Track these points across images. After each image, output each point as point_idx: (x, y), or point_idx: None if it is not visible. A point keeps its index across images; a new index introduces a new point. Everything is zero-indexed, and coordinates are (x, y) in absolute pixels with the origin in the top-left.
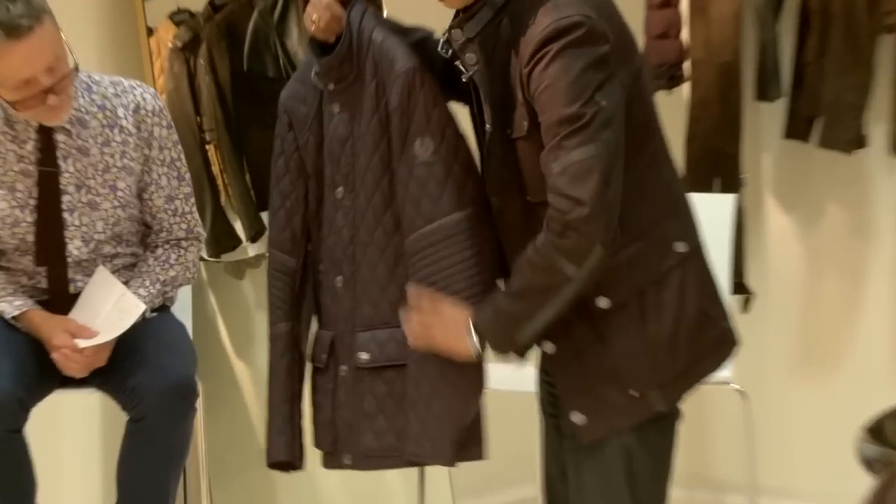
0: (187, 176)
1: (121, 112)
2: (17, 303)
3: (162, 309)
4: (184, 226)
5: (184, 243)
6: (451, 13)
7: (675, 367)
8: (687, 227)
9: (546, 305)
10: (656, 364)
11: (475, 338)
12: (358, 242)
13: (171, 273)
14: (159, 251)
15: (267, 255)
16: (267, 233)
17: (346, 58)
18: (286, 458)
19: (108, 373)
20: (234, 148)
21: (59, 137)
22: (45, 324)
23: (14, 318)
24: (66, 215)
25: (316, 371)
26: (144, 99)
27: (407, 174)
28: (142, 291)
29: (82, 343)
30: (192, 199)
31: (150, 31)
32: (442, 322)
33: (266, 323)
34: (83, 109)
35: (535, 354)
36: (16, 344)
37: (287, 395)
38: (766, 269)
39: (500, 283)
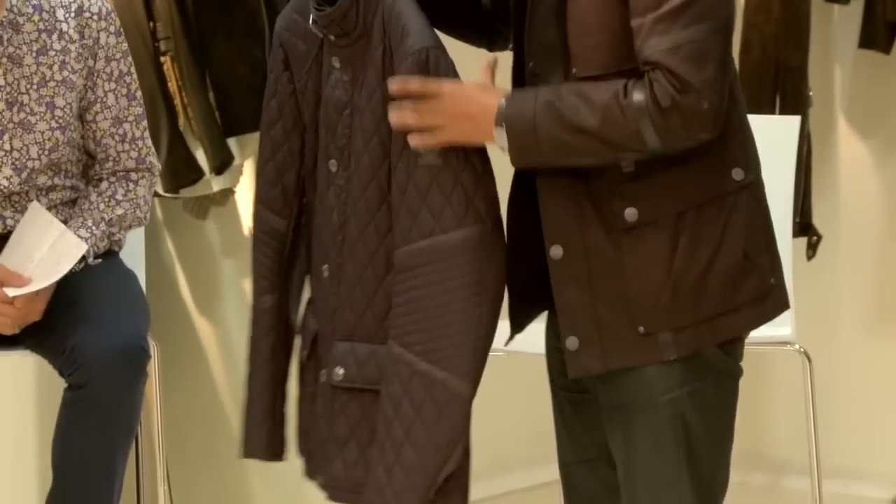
0: (138, 94)
1: (61, 14)
2: None
3: (108, 255)
4: (133, 154)
5: (133, 175)
6: None
7: (697, 312)
8: (748, 153)
9: (598, 155)
10: (675, 302)
11: (496, 131)
12: (347, 234)
13: (119, 211)
14: (104, 185)
15: (235, 190)
16: (234, 163)
17: (349, 12)
18: (265, 456)
19: (43, 331)
20: (195, 60)
21: None
22: None
23: None
24: None
25: (300, 362)
26: (89, 0)
27: (405, 176)
28: (83, 232)
29: (12, 292)
30: (144, 123)
31: None
32: (455, 101)
33: (234, 272)
34: (15, 10)
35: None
36: None
37: (269, 381)
38: (836, 208)
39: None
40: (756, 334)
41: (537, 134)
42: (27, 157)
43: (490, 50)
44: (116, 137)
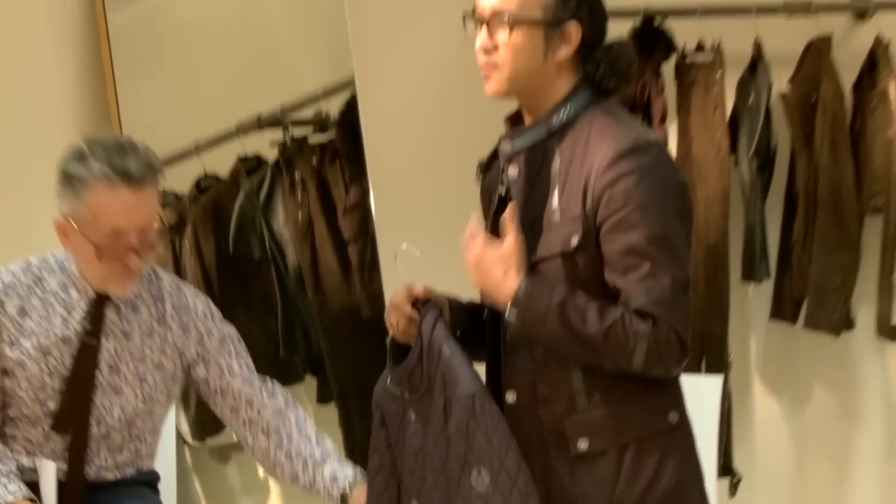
0: (254, 369)
1: (169, 308)
2: (11, 487)
3: (151, 485)
4: (280, 390)
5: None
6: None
7: None
8: (680, 400)
9: (585, 356)
10: None
11: (510, 308)
12: None
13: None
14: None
15: None
16: None
17: (415, 369)
18: None
19: None
20: None
21: (109, 315)
22: None
23: None
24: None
25: None
26: (195, 304)
27: None
28: (347, 471)
29: None
30: (273, 379)
31: None
32: (477, 264)
33: None
34: (139, 296)
35: None
36: None
37: None
38: (752, 452)
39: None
40: None
41: (544, 327)
42: (110, 415)
43: None
44: (253, 392)
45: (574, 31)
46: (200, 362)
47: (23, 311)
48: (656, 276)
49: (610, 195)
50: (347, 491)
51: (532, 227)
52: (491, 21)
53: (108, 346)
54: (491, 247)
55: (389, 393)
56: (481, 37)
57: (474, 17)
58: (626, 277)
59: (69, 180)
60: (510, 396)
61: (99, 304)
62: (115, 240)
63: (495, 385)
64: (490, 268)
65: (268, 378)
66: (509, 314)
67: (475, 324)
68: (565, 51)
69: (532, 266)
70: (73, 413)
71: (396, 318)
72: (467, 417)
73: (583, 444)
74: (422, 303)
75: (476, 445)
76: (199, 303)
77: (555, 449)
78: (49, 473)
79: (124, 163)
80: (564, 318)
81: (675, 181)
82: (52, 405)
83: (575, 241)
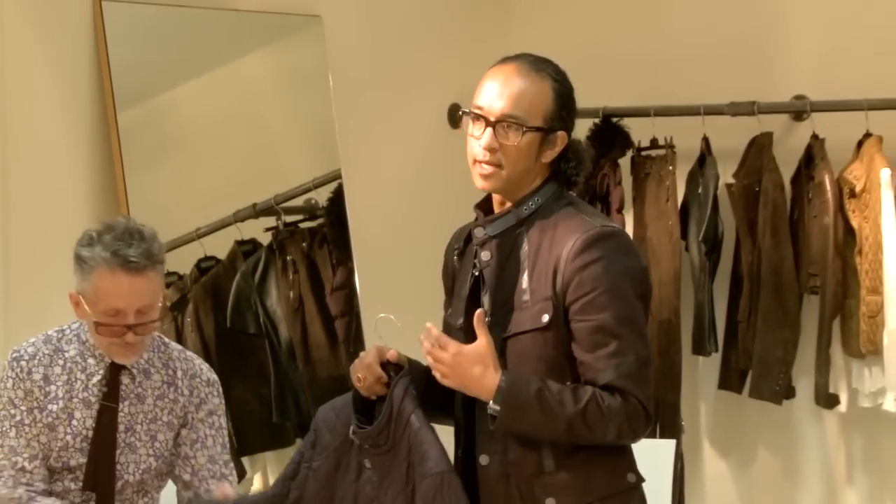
0: (227, 446)
1: (180, 374)
2: None
3: None
4: (231, 480)
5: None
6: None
7: None
8: (635, 463)
9: (567, 436)
10: None
11: (491, 403)
12: None
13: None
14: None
15: None
16: (247, 476)
17: (383, 431)
18: None
19: None
20: None
21: (124, 380)
22: None
23: None
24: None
25: None
26: (201, 370)
27: None
28: None
29: None
30: (232, 465)
31: None
32: (456, 366)
33: None
34: (151, 362)
35: None
36: None
37: None
38: None
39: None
40: None
41: (526, 415)
42: (127, 471)
43: None
44: (211, 472)
45: (561, 138)
46: (189, 423)
47: (47, 379)
48: (623, 353)
49: (580, 279)
50: None
51: (504, 306)
52: (498, 124)
53: (123, 409)
54: (464, 350)
55: (339, 432)
56: (486, 136)
57: (470, 113)
58: (594, 354)
59: (78, 261)
60: (483, 459)
61: (115, 371)
62: (114, 318)
63: (468, 448)
64: (468, 369)
65: (230, 462)
66: (493, 408)
67: (436, 389)
68: (550, 155)
69: (504, 340)
70: (99, 471)
71: (364, 375)
72: (435, 492)
73: (550, 503)
74: (392, 366)
75: None
76: (204, 369)
77: None
78: None
79: (126, 250)
80: (544, 404)
81: (638, 266)
82: (73, 462)
83: (546, 318)
